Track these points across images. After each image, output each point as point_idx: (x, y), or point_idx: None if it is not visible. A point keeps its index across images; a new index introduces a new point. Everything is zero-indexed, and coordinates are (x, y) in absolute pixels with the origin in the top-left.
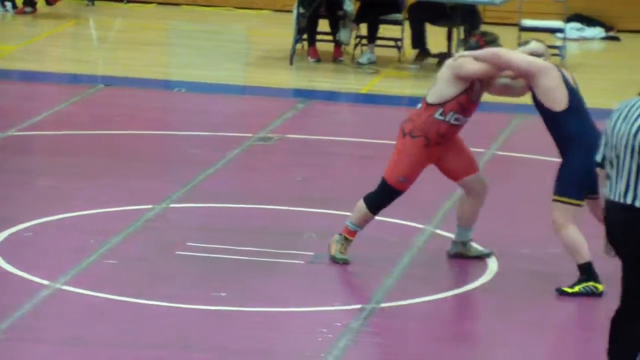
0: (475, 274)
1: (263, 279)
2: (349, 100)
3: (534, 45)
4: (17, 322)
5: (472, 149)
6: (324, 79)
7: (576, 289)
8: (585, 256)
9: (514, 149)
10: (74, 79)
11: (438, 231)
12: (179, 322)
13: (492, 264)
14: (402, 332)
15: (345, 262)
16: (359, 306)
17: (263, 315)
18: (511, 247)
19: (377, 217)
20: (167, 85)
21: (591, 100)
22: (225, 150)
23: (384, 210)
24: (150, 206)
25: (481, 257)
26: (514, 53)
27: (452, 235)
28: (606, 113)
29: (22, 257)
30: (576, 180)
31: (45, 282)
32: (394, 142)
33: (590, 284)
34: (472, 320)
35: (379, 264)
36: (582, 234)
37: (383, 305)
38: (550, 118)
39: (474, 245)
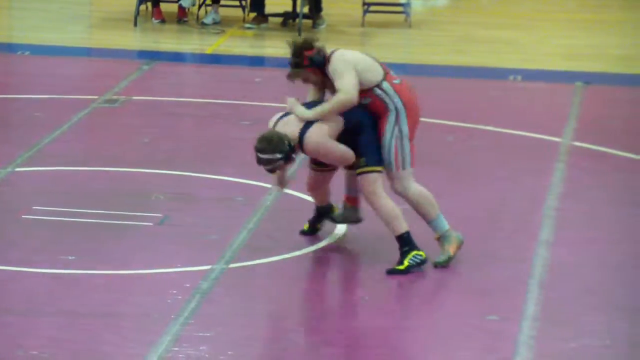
0: (324, 234)
1: (112, 241)
2: (194, 60)
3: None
4: None
5: None
6: (169, 40)
7: (405, 263)
8: (405, 225)
9: None
10: None
11: (285, 190)
12: (26, 286)
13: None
14: (252, 292)
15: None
16: (208, 267)
17: (112, 277)
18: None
19: (224, 178)
20: (10, 48)
21: (433, 57)
22: (70, 113)
23: (230, 171)
24: None
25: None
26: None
27: (298, 194)
28: (447, 69)
29: None
30: (376, 148)
31: None
32: (238, 102)
33: (414, 253)
34: (317, 280)
35: (228, 224)
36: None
37: (232, 265)
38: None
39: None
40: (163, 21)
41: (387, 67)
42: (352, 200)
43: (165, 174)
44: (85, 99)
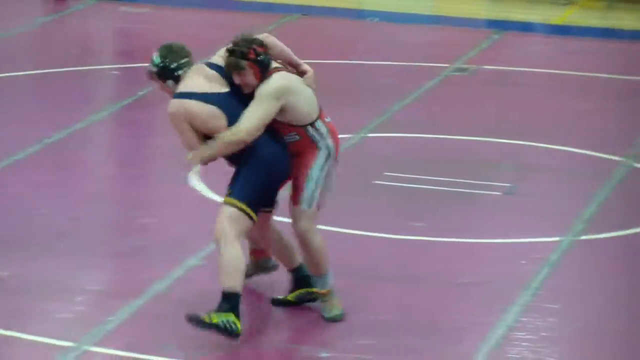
0: None
1: (460, 209)
2: (544, 31)
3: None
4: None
5: None
6: (518, 10)
7: (215, 319)
8: (239, 284)
9: None
10: (270, 8)
11: (638, 165)
12: (374, 251)
13: None
14: (602, 266)
15: None
16: (557, 238)
17: (460, 245)
18: None
19: (571, 150)
20: (360, 14)
21: None
22: (421, 80)
23: (577, 143)
24: (348, 135)
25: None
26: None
27: None
28: None
29: (224, 185)
30: (249, 183)
31: None
32: (586, 74)
33: (232, 318)
34: None
35: (576, 196)
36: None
37: (581, 238)
38: None
39: None
40: None
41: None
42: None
43: (513, 143)
44: (435, 67)
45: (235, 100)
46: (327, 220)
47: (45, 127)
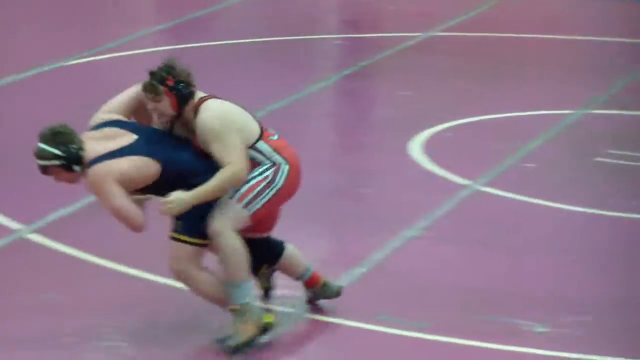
0: None
1: None
2: None
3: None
4: (435, 221)
5: None
6: None
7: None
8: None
9: None
10: None
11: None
12: (592, 228)
13: None
14: None
15: None
16: None
17: None
18: None
19: None
20: None
21: None
22: None
23: None
24: (570, 111)
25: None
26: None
27: None
28: None
29: (444, 157)
30: (198, 217)
31: (465, 182)
32: None
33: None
34: None
35: None
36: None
37: None
38: None
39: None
40: None
41: (263, 123)
42: (311, 281)
43: None
44: None
45: (154, 140)
46: (548, 196)
47: (269, 94)
